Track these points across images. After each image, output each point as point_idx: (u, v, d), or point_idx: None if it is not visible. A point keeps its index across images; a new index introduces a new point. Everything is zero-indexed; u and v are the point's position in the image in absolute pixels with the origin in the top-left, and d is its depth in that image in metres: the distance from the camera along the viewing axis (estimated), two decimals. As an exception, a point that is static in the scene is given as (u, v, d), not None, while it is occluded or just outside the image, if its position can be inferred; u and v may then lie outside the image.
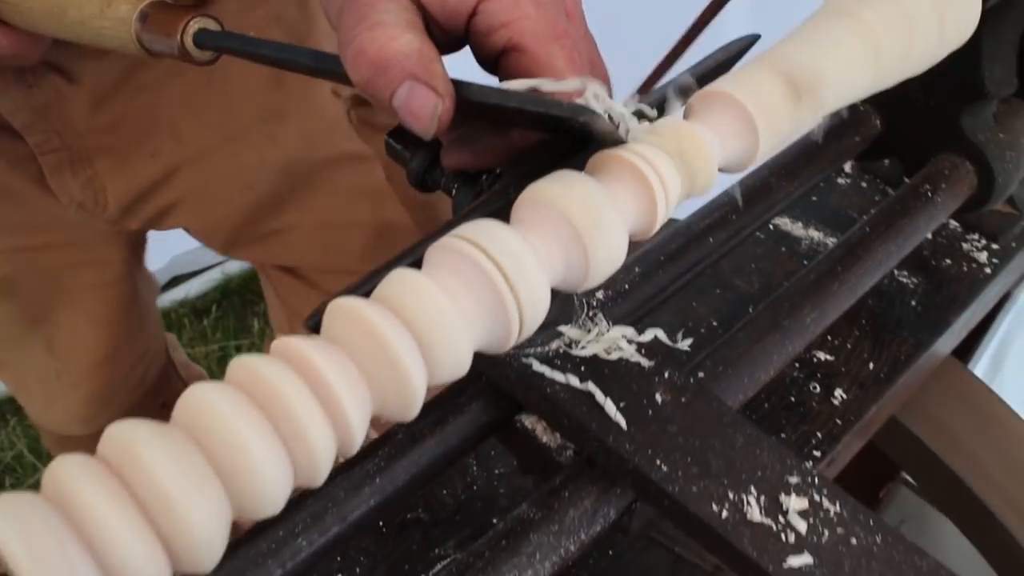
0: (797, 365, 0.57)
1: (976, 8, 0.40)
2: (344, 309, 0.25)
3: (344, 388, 0.24)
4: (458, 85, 0.33)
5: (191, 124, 0.76)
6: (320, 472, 0.24)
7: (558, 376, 0.38)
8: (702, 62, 0.39)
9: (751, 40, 0.39)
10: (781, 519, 0.35)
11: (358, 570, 0.46)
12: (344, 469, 0.36)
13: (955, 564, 0.95)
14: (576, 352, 0.39)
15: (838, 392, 0.55)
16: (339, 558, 0.46)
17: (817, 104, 0.36)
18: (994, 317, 0.73)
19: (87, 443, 1.03)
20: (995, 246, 0.63)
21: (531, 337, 0.38)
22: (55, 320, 0.90)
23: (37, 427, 1.11)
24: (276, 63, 0.41)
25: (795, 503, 0.35)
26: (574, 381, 0.38)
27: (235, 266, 1.87)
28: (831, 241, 0.64)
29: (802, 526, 0.35)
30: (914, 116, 0.53)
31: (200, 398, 0.23)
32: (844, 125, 0.54)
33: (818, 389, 0.55)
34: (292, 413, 0.23)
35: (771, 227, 0.65)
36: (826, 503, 0.36)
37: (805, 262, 0.63)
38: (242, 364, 0.24)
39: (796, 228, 0.65)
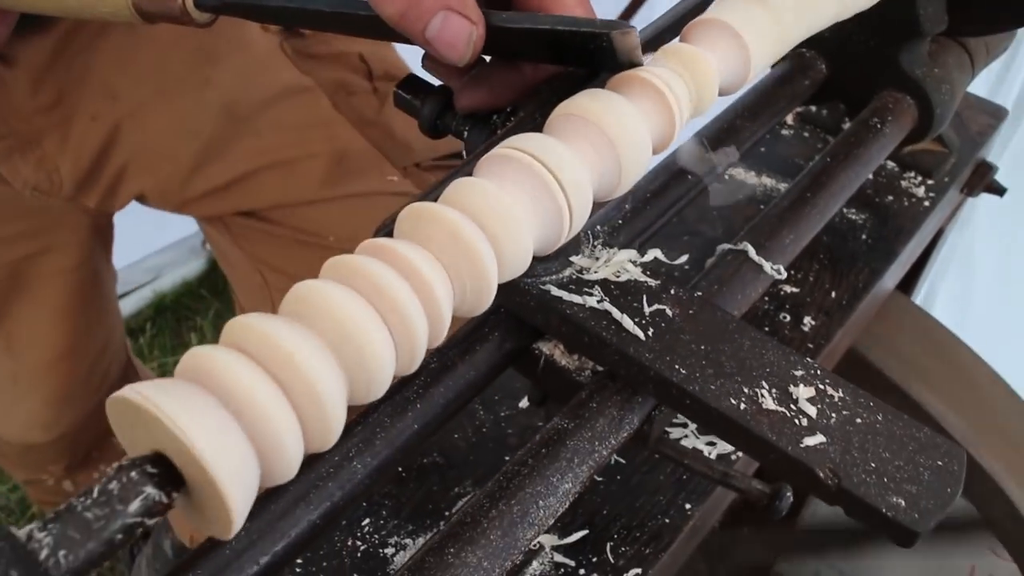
0: (767, 298, 0.61)
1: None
2: (423, 212, 0.27)
3: (437, 281, 0.26)
4: (486, 14, 0.35)
5: (124, 79, 0.76)
6: (417, 358, 0.26)
7: (575, 299, 0.41)
8: (679, 4, 0.42)
9: None
10: (792, 407, 0.38)
11: (384, 513, 0.48)
12: (387, 397, 0.38)
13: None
14: (588, 277, 0.42)
15: (807, 320, 0.59)
16: (364, 503, 0.48)
17: (789, 38, 0.39)
18: (930, 253, 0.79)
19: (48, 450, 1.01)
20: (930, 182, 0.69)
21: (546, 266, 0.41)
22: (14, 316, 0.88)
23: None
24: (286, 18, 0.42)
25: (803, 392, 0.39)
26: (590, 302, 0.40)
27: (166, 282, 1.85)
28: (783, 186, 0.69)
29: (812, 411, 0.38)
30: (856, 58, 0.58)
31: (314, 289, 0.25)
32: (794, 70, 0.58)
33: (788, 318, 0.59)
34: (398, 305, 0.25)
35: (727, 177, 0.69)
36: (830, 390, 0.39)
37: (762, 207, 0.67)
38: (341, 261, 0.26)
39: (750, 177, 0.69)
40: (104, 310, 0.96)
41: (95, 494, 0.22)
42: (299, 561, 0.45)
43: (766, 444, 0.37)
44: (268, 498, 0.36)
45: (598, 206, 0.41)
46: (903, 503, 0.36)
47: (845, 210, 0.66)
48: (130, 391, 0.22)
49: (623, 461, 0.51)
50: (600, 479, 0.50)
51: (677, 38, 0.37)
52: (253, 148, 0.81)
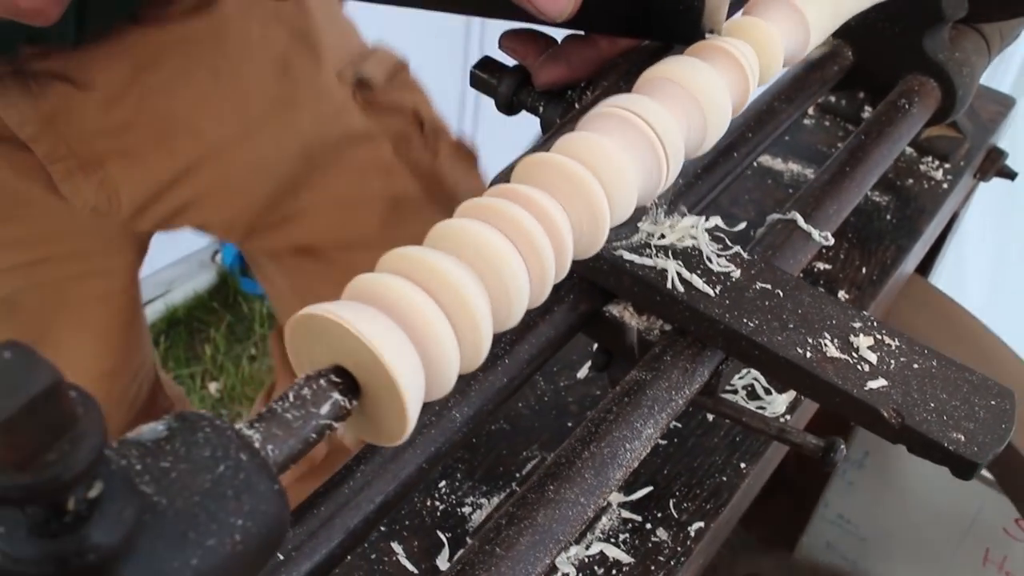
0: (801, 274, 0.64)
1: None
2: (542, 161, 0.30)
3: (561, 220, 0.29)
4: None
5: (208, 119, 0.78)
6: (547, 290, 0.29)
7: (647, 261, 0.44)
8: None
9: None
10: (854, 354, 0.41)
11: (458, 476, 0.51)
12: (478, 353, 0.41)
13: (917, 483, 1.05)
14: (656, 242, 0.45)
15: (841, 294, 0.62)
16: (439, 466, 0.51)
17: (843, 13, 0.43)
18: (945, 236, 0.82)
19: None
20: (947, 165, 0.73)
21: (616, 231, 0.44)
22: (55, 340, 0.90)
23: None
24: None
25: (863, 341, 0.42)
26: (661, 263, 0.44)
27: (178, 295, 1.87)
28: (809, 172, 0.72)
29: (872, 357, 0.41)
30: (881, 44, 0.61)
31: (459, 226, 0.28)
32: (823, 58, 0.62)
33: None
34: (533, 240, 0.28)
35: (756, 164, 0.72)
36: (887, 340, 0.42)
37: (790, 191, 0.71)
38: (476, 203, 0.29)
39: (777, 163, 0.72)
40: (142, 330, 0.98)
41: (291, 398, 0.25)
42: (384, 521, 0.48)
43: (833, 388, 0.40)
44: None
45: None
46: (963, 438, 0.39)
47: (869, 192, 0.70)
48: (318, 309, 0.25)
49: (679, 426, 0.54)
50: (661, 442, 0.53)
51: (740, 12, 0.40)
52: (320, 188, 0.84)
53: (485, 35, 1.67)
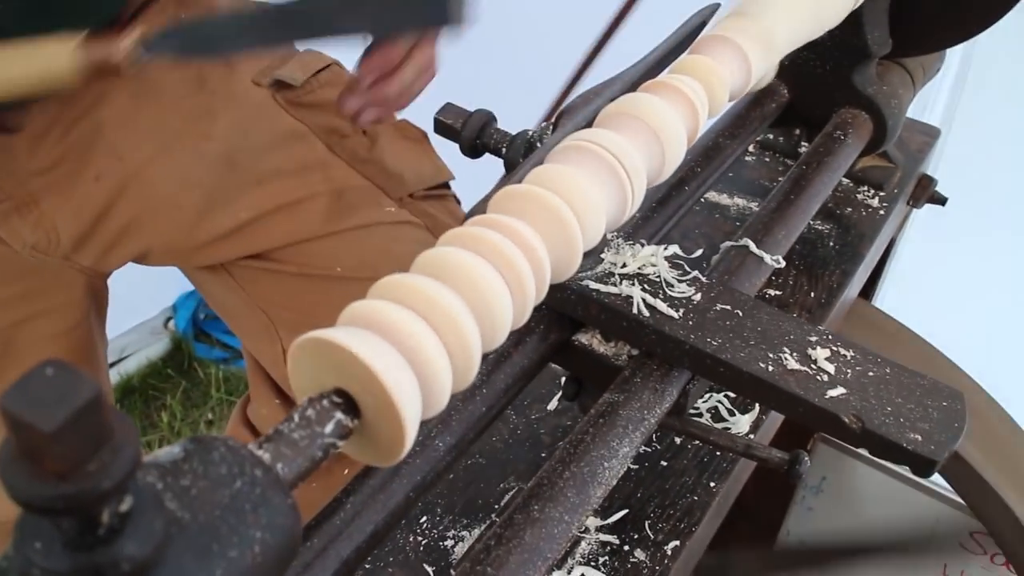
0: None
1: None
2: (517, 192, 0.32)
3: (540, 246, 0.31)
4: None
5: (127, 140, 0.80)
6: (528, 311, 0.31)
7: (612, 289, 0.46)
8: (683, 25, 0.49)
9: (714, 7, 0.49)
10: (813, 366, 0.44)
11: (439, 511, 0.52)
12: (456, 385, 0.43)
13: (874, 504, 1.08)
14: (619, 271, 0.47)
15: (801, 320, 0.65)
16: (419, 504, 0.52)
17: (779, 51, 0.46)
18: (885, 260, 0.86)
19: None
20: (882, 193, 0.76)
21: (582, 263, 0.46)
22: (5, 385, 0.89)
23: None
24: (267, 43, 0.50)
25: (820, 353, 0.44)
26: (626, 290, 0.46)
27: (132, 363, 1.84)
28: (753, 205, 0.75)
29: (830, 368, 0.44)
30: (814, 81, 0.65)
31: (447, 254, 0.29)
32: (761, 96, 0.65)
33: (776, 317, 0.65)
34: (515, 266, 0.30)
35: (703, 200, 0.75)
36: (842, 351, 0.45)
37: (737, 223, 0.74)
38: (461, 232, 0.30)
39: (723, 198, 0.76)
40: (98, 375, 0.97)
41: (296, 419, 0.26)
42: (367, 559, 0.49)
43: (795, 399, 0.43)
44: (364, 475, 0.40)
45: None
46: (920, 438, 0.41)
47: (812, 221, 0.73)
48: (322, 333, 0.26)
49: (649, 450, 0.56)
50: (633, 467, 0.54)
51: (687, 51, 0.43)
52: (256, 195, 0.85)
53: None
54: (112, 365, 1.81)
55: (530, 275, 0.30)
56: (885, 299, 0.91)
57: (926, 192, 0.82)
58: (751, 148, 0.80)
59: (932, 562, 1.17)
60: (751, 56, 0.42)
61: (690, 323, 0.45)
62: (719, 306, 0.46)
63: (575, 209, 0.33)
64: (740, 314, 0.46)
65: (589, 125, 0.39)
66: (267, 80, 0.84)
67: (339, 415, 0.26)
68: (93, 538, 0.19)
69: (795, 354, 0.44)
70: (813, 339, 0.45)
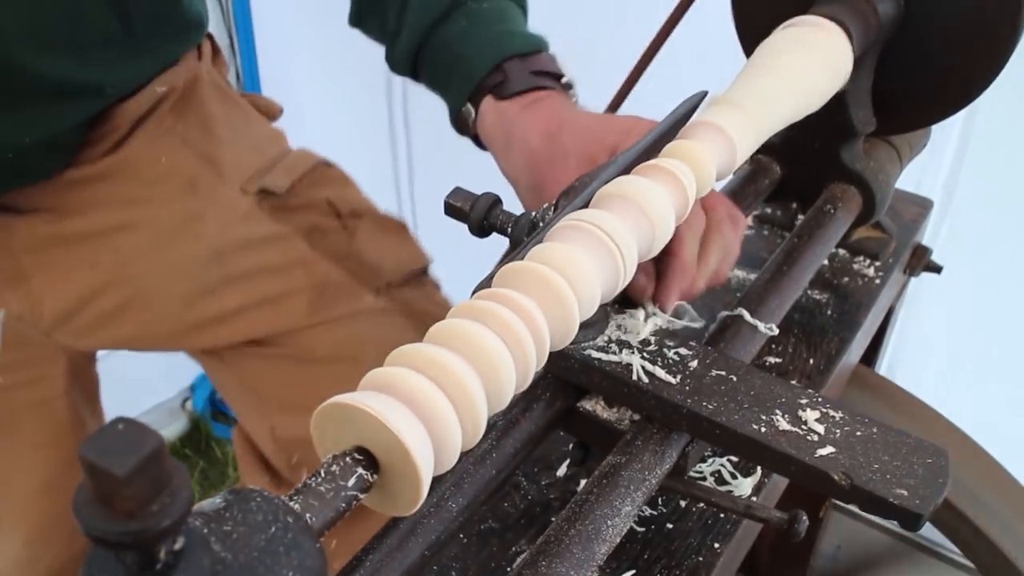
0: (756, 363, 0.69)
1: (849, 64, 0.56)
2: (520, 268, 0.36)
3: (540, 318, 0.34)
4: None
5: (123, 237, 0.87)
6: (530, 376, 0.34)
7: (613, 357, 0.49)
8: (668, 117, 0.53)
9: (702, 95, 0.53)
10: (804, 427, 0.46)
11: (453, 574, 0.54)
12: (468, 452, 0.45)
13: (889, 572, 1.09)
14: (620, 339, 0.50)
15: (792, 384, 0.68)
16: (435, 567, 0.54)
17: (763, 134, 0.50)
18: (885, 329, 0.89)
19: None
20: (877, 263, 0.80)
21: (584, 333, 0.49)
22: None
23: None
24: None
25: (810, 415, 0.47)
26: (626, 359, 0.49)
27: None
28: (752, 276, 0.79)
29: (820, 428, 0.46)
30: (805, 158, 0.69)
31: (459, 326, 0.33)
32: (754, 173, 0.69)
33: (776, 384, 0.68)
34: (519, 337, 0.33)
35: (704, 272, 0.78)
36: (831, 412, 0.47)
37: (738, 294, 0.77)
38: (470, 304, 0.34)
39: (724, 271, 0.79)
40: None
41: (323, 474, 0.29)
42: (386, 619, 0.51)
43: (787, 458, 0.45)
44: (383, 535, 0.42)
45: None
46: (906, 493, 0.43)
47: (810, 292, 0.76)
48: (346, 398, 0.29)
49: (655, 512, 0.58)
50: (639, 529, 0.57)
51: (678, 136, 0.47)
52: (242, 288, 0.92)
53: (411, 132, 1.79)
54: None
55: (531, 344, 0.34)
56: (902, 366, 0.93)
57: (921, 261, 0.85)
58: (750, 222, 0.84)
59: (951, 631, 1.17)
60: (736, 139, 0.46)
61: (687, 388, 0.48)
62: (714, 372, 0.49)
63: (572, 283, 0.36)
64: (734, 379, 0.49)
65: (586, 206, 0.42)
66: (253, 188, 0.91)
67: (360, 470, 0.29)
68: (151, 572, 0.22)
69: (786, 416, 0.47)
70: (803, 401, 0.48)
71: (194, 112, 0.90)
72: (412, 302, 0.96)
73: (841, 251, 0.80)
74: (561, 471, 0.61)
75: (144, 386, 1.83)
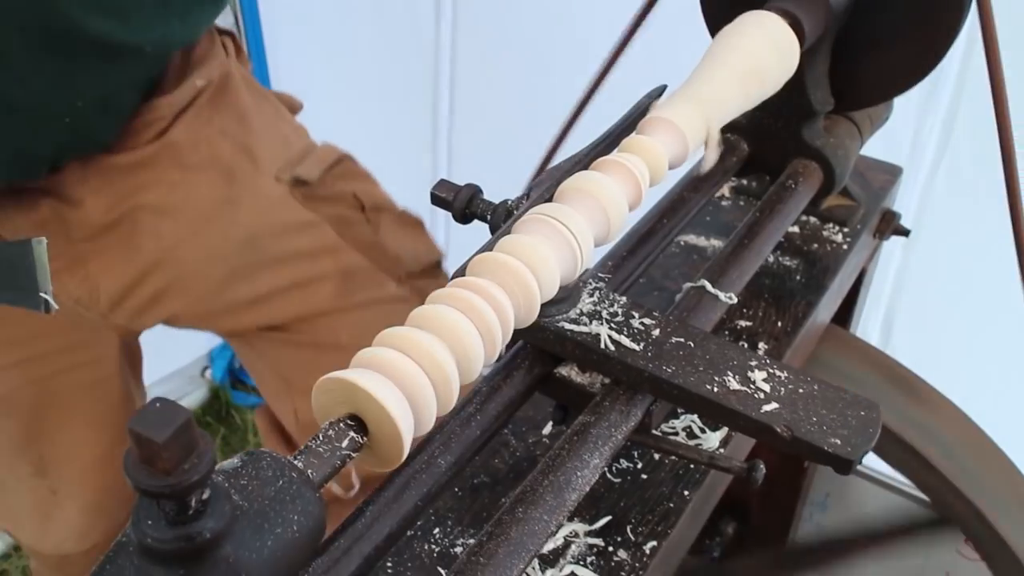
0: (727, 332, 0.75)
1: (796, 54, 0.61)
2: (489, 258, 0.42)
3: (504, 301, 0.40)
4: None
5: (165, 223, 0.95)
6: (496, 352, 0.40)
7: (584, 328, 0.55)
8: (634, 107, 0.58)
9: (661, 89, 0.58)
10: (752, 386, 0.52)
11: (449, 523, 0.60)
12: (455, 413, 0.52)
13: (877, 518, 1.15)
14: (590, 314, 0.56)
15: (761, 345, 0.74)
16: (432, 516, 0.61)
17: (714, 125, 0.55)
18: (858, 290, 0.94)
19: (81, 560, 1.12)
20: (846, 230, 0.85)
21: (559, 307, 0.55)
22: (49, 433, 1.01)
23: (31, 555, 1.17)
24: None
25: (758, 375, 0.53)
26: (595, 329, 0.55)
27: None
28: (728, 245, 0.84)
29: (766, 387, 0.52)
30: (769, 136, 0.74)
31: (433, 311, 0.39)
32: (723, 151, 0.74)
33: (746, 345, 0.74)
34: (485, 318, 0.39)
35: (682, 242, 0.84)
36: (777, 372, 0.53)
37: (714, 263, 0.82)
38: (443, 292, 0.40)
39: (700, 240, 0.85)
40: None
41: (320, 438, 0.35)
42: (389, 564, 0.57)
43: (736, 413, 0.51)
44: (381, 489, 0.49)
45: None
46: (839, 442, 0.50)
47: (781, 258, 0.82)
48: (343, 374, 0.35)
49: (631, 465, 0.64)
50: (616, 480, 0.63)
51: (635, 132, 0.53)
52: (274, 272, 0.98)
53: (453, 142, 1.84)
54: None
55: (497, 323, 0.40)
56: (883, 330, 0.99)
57: (890, 225, 0.91)
58: (727, 193, 0.89)
59: (935, 573, 1.23)
60: (687, 133, 0.52)
61: (649, 354, 0.54)
62: (674, 339, 0.55)
63: (533, 270, 0.42)
64: (692, 345, 0.55)
65: (550, 198, 0.48)
66: (287, 176, 0.97)
67: (352, 434, 0.36)
68: (185, 516, 0.29)
69: (737, 376, 0.53)
70: (753, 363, 0.54)
71: (229, 105, 0.96)
72: (429, 292, 1.03)
73: (812, 219, 0.86)
74: (546, 430, 0.67)
75: (163, 355, 1.90)
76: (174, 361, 1.98)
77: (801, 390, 0.52)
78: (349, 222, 1.01)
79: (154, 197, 0.93)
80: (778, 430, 0.50)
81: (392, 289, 1.02)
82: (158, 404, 0.27)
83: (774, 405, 0.51)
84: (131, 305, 0.97)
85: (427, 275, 1.06)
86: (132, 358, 1.11)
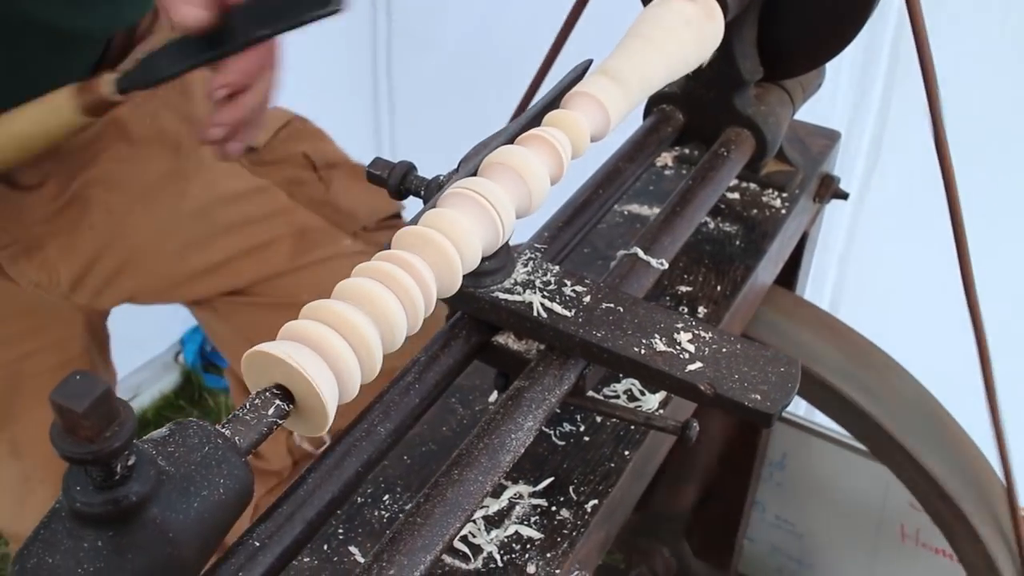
0: (668, 298, 0.78)
1: (720, 24, 0.63)
2: (411, 232, 0.44)
3: (424, 271, 0.42)
4: None
5: (115, 197, 0.97)
6: (419, 322, 0.42)
7: (517, 298, 0.57)
8: (560, 82, 0.60)
9: (587, 64, 0.60)
10: (677, 347, 0.55)
11: (398, 490, 0.63)
12: (395, 383, 0.54)
13: (833, 474, 1.19)
14: (523, 283, 0.58)
15: (700, 309, 0.76)
16: (382, 483, 0.63)
17: (635, 97, 0.57)
18: (801, 252, 0.97)
19: None
20: (784, 194, 0.87)
21: (492, 278, 0.57)
22: (17, 418, 1.02)
23: (10, 539, 1.19)
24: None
25: (684, 336, 0.55)
26: (528, 298, 0.57)
27: (146, 398, 1.96)
28: (671, 214, 0.86)
29: (691, 348, 0.55)
30: (702, 106, 0.76)
31: (354, 283, 0.41)
32: (658, 122, 0.76)
33: (686, 310, 0.76)
34: (406, 287, 0.41)
35: (626, 212, 0.86)
36: (702, 333, 0.56)
37: (656, 231, 0.85)
38: (366, 265, 0.42)
39: (644, 209, 0.87)
40: None
41: (248, 406, 0.37)
42: (340, 530, 0.60)
43: (662, 374, 0.54)
44: (322, 457, 0.51)
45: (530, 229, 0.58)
46: (759, 397, 0.52)
47: (721, 224, 0.84)
48: (267, 346, 0.37)
49: (573, 428, 0.67)
50: (560, 443, 0.65)
51: (560, 105, 0.54)
52: (228, 240, 1.01)
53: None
54: (128, 400, 1.93)
55: (420, 296, 0.42)
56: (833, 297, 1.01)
57: (829, 189, 0.93)
58: (670, 163, 0.92)
59: (890, 524, 1.28)
60: (608, 107, 0.54)
61: (580, 320, 0.56)
62: (604, 304, 0.57)
63: (455, 242, 0.44)
64: (621, 310, 0.57)
65: (476, 172, 0.50)
66: None
67: (278, 402, 0.38)
68: (112, 481, 0.31)
69: (663, 339, 0.55)
70: (679, 326, 0.56)
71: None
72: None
73: (752, 185, 0.88)
74: (492, 397, 0.69)
75: (135, 343, 1.91)
76: (148, 350, 1.99)
77: (724, 349, 0.55)
78: (300, 182, 1.05)
79: (103, 173, 0.95)
80: (702, 388, 0.53)
81: (348, 244, 1.05)
82: (78, 377, 0.29)
83: (698, 364, 0.54)
84: (90, 285, 0.99)
85: (385, 227, 1.08)
86: (98, 339, 1.12)
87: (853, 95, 1.33)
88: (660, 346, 0.55)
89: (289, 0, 0.73)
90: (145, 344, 1.94)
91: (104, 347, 1.13)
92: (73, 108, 0.79)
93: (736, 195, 0.87)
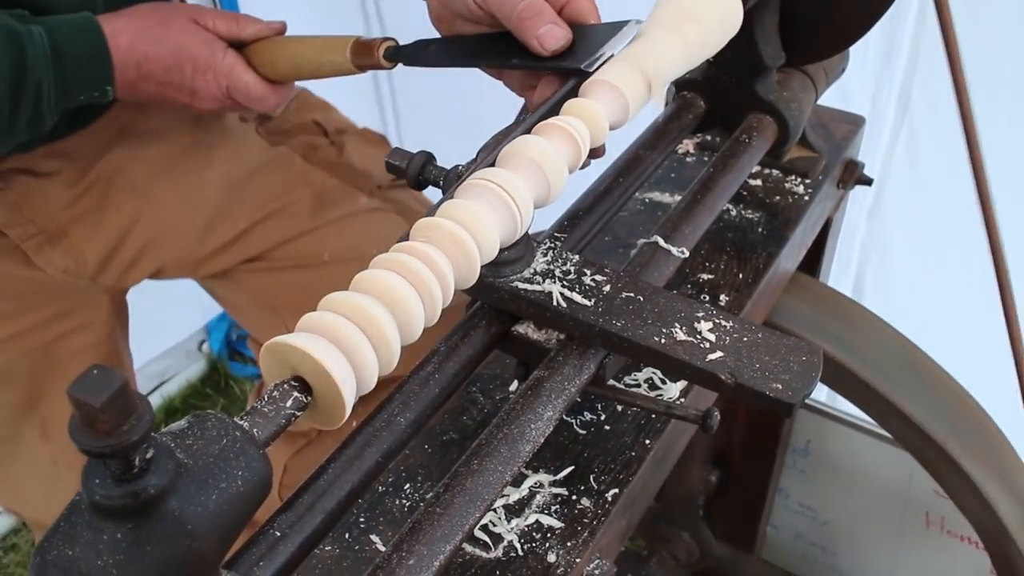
0: (689, 286, 0.77)
1: (739, 10, 0.62)
2: (429, 223, 0.43)
3: (443, 263, 0.42)
4: None
5: (139, 175, 0.98)
6: (436, 314, 0.42)
7: (537, 287, 0.57)
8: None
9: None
10: (698, 336, 0.54)
11: (419, 479, 0.63)
12: (415, 373, 0.54)
13: (856, 461, 1.19)
14: (543, 273, 0.58)
15: (722, 297, 0.75)
16: (403, 472, 0.63)
17: (656, 85, 0.57)
18: (825, 238, 0.96)
19: None
20: (808, 181, 0.86)
21: (512, 268, 0.57)
22: (48, 399, 1.03)
23: (35, 529, 1.20)
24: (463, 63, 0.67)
25: (704, 326, 0.55)
26: (548, 287, 0.57)
27: (172, 386, 1.98)
28: (693, 201, 0.86)
29: (712, 337, 0.54)
30: (724, 92, 0.75)
31: (373, 275, 0.41)
32: (680, 109, 0.76)
33: (708, 298, 0.76)
34: (424, 280, 0.41)
35: (647, 200, 0.86)
36: (723, 322, 0.55)
37: (678, 218, 0.84)
38: (385, 257, 0.42)
39: (665, 197, 0.86)
40: (126, 375, 1.13)
41: (266, 399, 0.37)
42: (362, 519, 0.60)
43: (682, 363, 0.53)
44: (343, 447, 0.51)
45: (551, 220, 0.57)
46: (780, 386, 0.52)
47: (744, 211, 0.83)
48: (285, 338, 0.37)
49: (594, 417, 0.66)
50: (581, 432, 0.65)
51: (580, 93, 0.54)
52: (250, 207, 1.03)
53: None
54: (155, 389, 1.95)
55: (438, 288, 0.42)
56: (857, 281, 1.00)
57: (853, 175, 0.92)
58: (691, 149, 0.91)
59: (915, 512, 1.27)
60: (627, 93, 0.53)
61: (600, 309, 0.56)
62: (624, 294, 0.57)
63: (473, 234, 0.44)
64: (641, 299, 0.56)
65: (494, 163, 0.50)
66: (251, 116, 1.00)
67: (296, 394, 0.38)
68: (130, 474, 0.31)
69: (684, 328, 0.55)
70: (700, 315, 0.56)
71: None
72: (402, 201, 1.09)
73: (775, 172, 0.87)
74: (513, 387, 0.69)
75: (159, 330, 1.93)
76: (170, 337, 2.00)
77: (746, 338, 0.54)
78: (315, 147, 1.08)
79: (123, 152, 0.96)
80: (722, 377, 0.52)
81: (365, 202, 1.07)
82: (95, 371, 0.29)
83: (719, 354, 0.53)
84: (117, 265, 1.00)
85: (399, 185, 1.11)
86: (122, 317, 1.14)
87: (875, 79, 1.31)
88: (680, 335, 0.54)
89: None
90: (168, 331, 1.96)
91: (126, 326, 1.14)
92: (348, 57, 0.83)
93: (758, 182, 0.86)
